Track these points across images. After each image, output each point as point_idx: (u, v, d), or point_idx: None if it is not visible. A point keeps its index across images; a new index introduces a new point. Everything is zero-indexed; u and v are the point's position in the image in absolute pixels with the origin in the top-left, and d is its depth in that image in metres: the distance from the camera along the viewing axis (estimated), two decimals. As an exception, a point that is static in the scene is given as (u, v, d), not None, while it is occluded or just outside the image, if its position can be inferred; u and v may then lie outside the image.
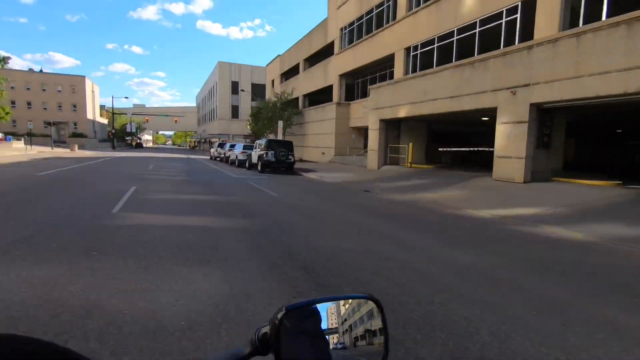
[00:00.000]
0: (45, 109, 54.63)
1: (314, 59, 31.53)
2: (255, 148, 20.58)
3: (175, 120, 61.64)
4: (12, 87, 52.51)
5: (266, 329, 0.59)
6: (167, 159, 31.87)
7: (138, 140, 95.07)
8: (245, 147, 22.96)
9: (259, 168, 18.36)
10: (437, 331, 2.77)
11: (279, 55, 40.16)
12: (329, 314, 0.63)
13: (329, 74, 27.83)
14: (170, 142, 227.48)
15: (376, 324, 0.65)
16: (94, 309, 2.83)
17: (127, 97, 61.48)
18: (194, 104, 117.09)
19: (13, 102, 52.91)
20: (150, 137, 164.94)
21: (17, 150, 30.79)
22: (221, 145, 32.55)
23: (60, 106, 55.41)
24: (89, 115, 57.59)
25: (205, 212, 7.86)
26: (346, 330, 0.64)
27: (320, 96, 31.13)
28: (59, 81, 54.95)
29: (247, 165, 20.62)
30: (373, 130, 19.57)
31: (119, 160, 25.70)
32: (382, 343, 0.64)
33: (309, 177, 17.21)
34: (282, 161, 17.57)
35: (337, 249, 5.13)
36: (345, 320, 0.64)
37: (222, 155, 28.98)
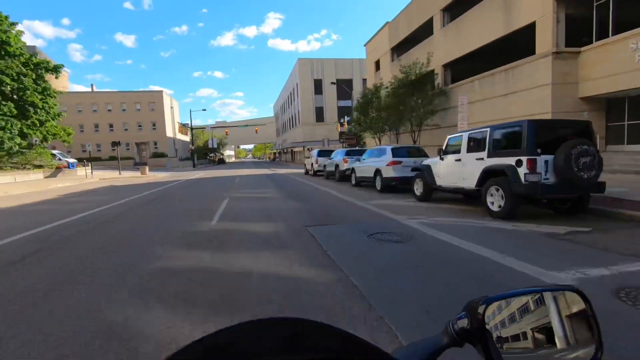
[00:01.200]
0: (126, 130, 51.45)
1: (461, 6, 19.42)
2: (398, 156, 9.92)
3: (256, 130, 54.49)
4: (95, 110, 50.17)
5: (463, 322, 0.57)
6: (251, 181, 22.61)
7: (220, 156, 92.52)
8: (398, 154, 11.82)
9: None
10: None
11: (387, 22, 28.77)
12: (527, 306, 0.58)
13: (518, 8, 15.42)
14: (250, 155, 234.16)
15: (581, 317, 0.57)
16: (228, 269, 4.04)
17: (204, 110, 57.19)
18: (272, 115, 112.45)
19: (96, 126, 50.59)
20: (232, 153, 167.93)
21: (76, 179, 24.41)
22: (323, 154, 22.29)
23: (140, 126, 51.82)
24: (169, 133, 53.19)
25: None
26: (548, 325, 0.56)
27: (475, 64, 18.90)
28: (137, 99, 51.40)
29: (417, 191, 9.46)
30: None
31: (184, 188, 16.84)
32: (592, 339, 0.55)
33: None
34: (580, 182, 5.80)
35: None
36: (546, 315, 0.57)
37: (332, 170, 18.51)
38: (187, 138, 75.89)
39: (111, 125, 50.91)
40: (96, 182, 23.17)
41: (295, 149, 62.49)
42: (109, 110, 50.65)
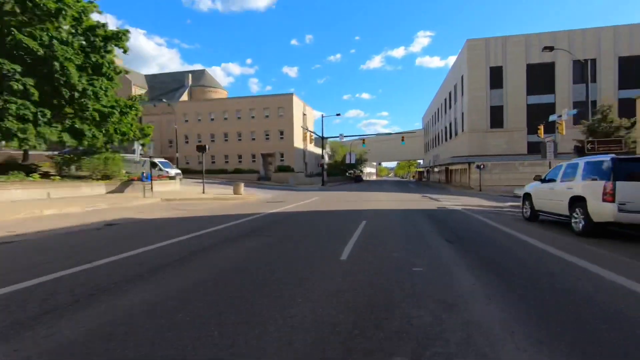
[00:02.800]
0: (253, 139, 45.63)
1: None
2: None
3: (402, 139, 40.67)
4: (225, 118, 46.07)
5: None
6: (394, 226, 8.50)
7: (359, 173, 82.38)
8: None
9: None
10: None
11: None
12: None
13: None
14: (392, 174, 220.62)
15: None
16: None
17: (339, 114, 48.59)
18: (419, 128, 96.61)
19: (225, 135, 46.40)
20: (373, 170, 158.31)
21: (126, 198, 16.00)
22: (593, 170, 6.67)
23: (267, 135, 45.21)
24: (297, 143, 44.84)
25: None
26: None
27: None
28: (265, 103, 45.09)
29: None
30: None
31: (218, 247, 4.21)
32: None
33: None
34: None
35: None
36: None
37: None
38: (320, 151, 68.34)
39: (239, 134, 46.02)
40: (135, 206, 13.91)
41: (454, 167, 45.88)
42: (239, 118, 45.95)
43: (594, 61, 35.69)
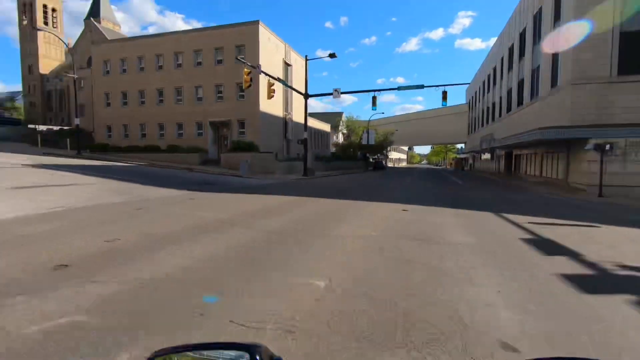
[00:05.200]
0: (199, 99, 29.11)
1: None
2: None
3: (444, 96, 22.30)
4: (142, 68, 29.92)
5: None
6: None
7: (380, 159, 64.32)
8: None
9: None
10: None
11: None
12: None
13: None
14: (425, 161, 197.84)
15: None
16: None
17: (333, 54, 29.54)
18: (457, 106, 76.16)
19: (141, 95, 30.23)
20: (403, 156, 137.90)
21: None
22: None
23: (220, 92, 28.53)
24: (267, 107, 27.82)
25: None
26: None
27: None
28: (218, 40, 28.17)
29: None
30: None
31: None
32: None
33: None
34: None
35: None
36: None
37: None
38: (324, 126, 51.03)
39: (179, 92, 29.67)
40: None
41: (524, 151, 27.41)
42: (179, 66, 29.49)
43: None
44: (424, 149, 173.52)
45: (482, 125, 51.09)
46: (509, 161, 36.24)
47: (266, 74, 20.39)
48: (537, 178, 25.51)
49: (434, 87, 23.59)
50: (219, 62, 28.19)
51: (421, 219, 7.79)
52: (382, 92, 24.57)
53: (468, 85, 62.47)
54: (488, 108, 46.96)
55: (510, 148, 31.94)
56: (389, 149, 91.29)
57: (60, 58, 64.58)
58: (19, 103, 69.34)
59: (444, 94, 22.87)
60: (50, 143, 32.45)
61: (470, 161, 58.94)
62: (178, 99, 29.64)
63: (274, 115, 29.59)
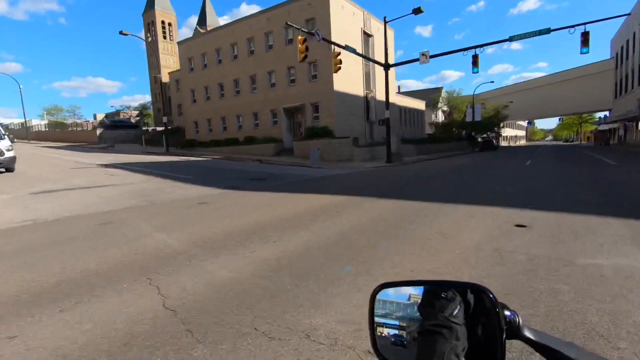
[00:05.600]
0: (273, 85, 27.37)
1: None
2: None
3: (585, 38, 15.44)
4: (220, 61, 29.16)
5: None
6: None
7: (489, 137, 54.95)
8: None
9: None
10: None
11: None
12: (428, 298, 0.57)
13: None
14: (550, 137, 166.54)
15: (485, 315, 0.54)
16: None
17: (418, 10, 21.88)
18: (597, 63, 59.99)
19: (220, 88, 29.45)
20: (521, 133, 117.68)
21: None
22: None
23: (292, 75, 26.17)
24: (343, 86, 24.39)
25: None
26: (444, 321, 0.53)
27: None
28: (286, 15, 25.60)
29: None
30: None
31: None
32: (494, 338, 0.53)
33: None
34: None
35: None
36: (445, 309, 0.54)
37: None
38: (417, 104, 44.96)
39: (253, 80, 28.27)
40: None
41: None
42: (252, 53, 28.02)
43: None
44: (548, 123, 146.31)
45: (640, 83, 37.95)
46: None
47: (328, 41, 16.93)
48: None
49: (569, 29, 16.45)
50: (289, 42, 25.74)
51: (561, 254, 3.55)
52: (486, 47, 18.53)
53: (618, 30, 47.94)
54: (650, 58, 34.19)
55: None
56: (502, 125, 77.87)
57: (177, 66, 72.22)
58: (150, 110, 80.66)
59: (584, 36, 15.87)
60: (154, 142, 35.20)
61: (621, 132, 45.16)
62: (253, 87, 28.41)
63: (353, 95, 25.91)
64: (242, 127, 29.28)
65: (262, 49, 27.29)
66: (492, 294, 0.54)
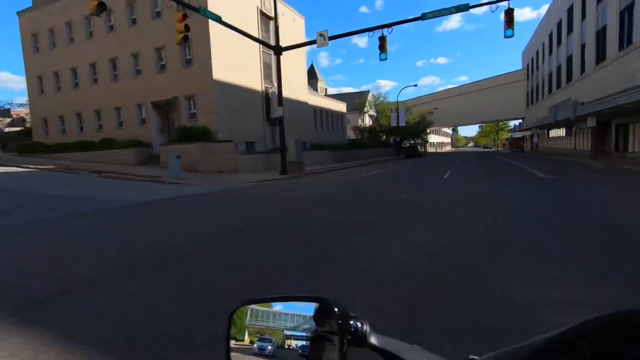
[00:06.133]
0: (138, 71, 20.86)
1: None
2: None
3: (510, 26, 11.62)
4: (72, 39, 22.08)
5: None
6: None
7: (413, 144, 53.38)
8: None
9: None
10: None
11: None
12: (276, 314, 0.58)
13: None
14: (471, 144, 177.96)
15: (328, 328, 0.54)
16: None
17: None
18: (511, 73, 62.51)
19: (74, 74, 22.39)
20: (446, 140, 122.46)
21: None
22: None
23: (162, 60, 20.04)
24: (217, 72, 18.68)
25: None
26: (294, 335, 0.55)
27: None
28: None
29: None
30: None
31: None
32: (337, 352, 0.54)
33: None
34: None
35: None
36: (295, 325, 0.56)
37: None
38: (337, 106, 41.40)
39: (114, 63, 21.51)
40: None
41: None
42: (111, 28, 21.26)
43: None
44: (470, 131, 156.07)
45: (550, 91, 38.38)
46: (599, 137, 24.32)
47: (178, 1, 11.36)
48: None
49: (490, 7, 12.93)
50: (157, 15, 19.63)
51: None
52: (396, 26, 14.37)
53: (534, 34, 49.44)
54: (559, 66, 34.33)
55: (606, 116, 20.23)
56: (428, 131, 78.54)
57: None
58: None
59: (508, 14, 12.44)
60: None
61: (535, 140, 46.01)
62: (114, 74, 21.59)
63: (246, 88, 20.56)
64: (102, 127, 22.19)
65: (124, 23, 20.68)
66: (336, 305, 0.54)
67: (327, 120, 35.87)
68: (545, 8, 45.97)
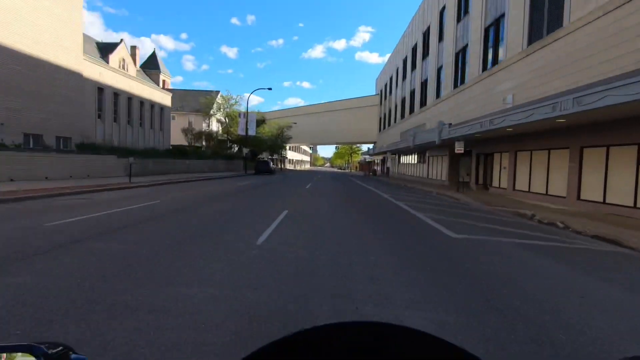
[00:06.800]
0: None
1: None
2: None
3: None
4: None
5: None
6: None
7: (264, 158, 46.59)
8: None
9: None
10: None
11: None
12: None
13: None
14: (328, 164, 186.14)
15: None
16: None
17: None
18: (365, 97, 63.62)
19: None
20: (306, 158, 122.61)
21: None
22: None
23: None
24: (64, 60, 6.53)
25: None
26: None
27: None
28: None
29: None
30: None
31: None
32: None
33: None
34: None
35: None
36: None
37: None
38: (156, 96, 31.18)
39: None
40: None
41: (499, 148, 12.43)
42: None
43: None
44: (328, 151, 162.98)
45: (403, 116, 37.43)
46: (455, 166, 21.82)
47: None
48: (549, 201, 10.53)
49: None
50: None
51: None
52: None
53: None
54: (413, 91, 33.17)
55: (464, 145, 17.08)
56: (288, 147, 73.96)
57: None
58: None
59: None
60: None
61: (388, 165, 45.11)
62: None
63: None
64: None
65: None
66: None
67: (135, 112, 24.99)
68: (387, 56, 46.90)
